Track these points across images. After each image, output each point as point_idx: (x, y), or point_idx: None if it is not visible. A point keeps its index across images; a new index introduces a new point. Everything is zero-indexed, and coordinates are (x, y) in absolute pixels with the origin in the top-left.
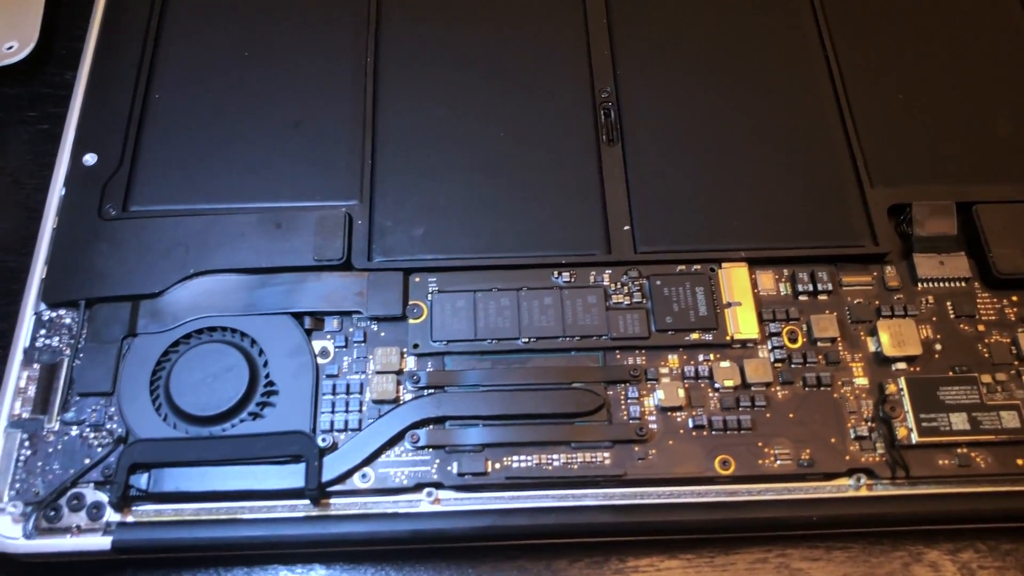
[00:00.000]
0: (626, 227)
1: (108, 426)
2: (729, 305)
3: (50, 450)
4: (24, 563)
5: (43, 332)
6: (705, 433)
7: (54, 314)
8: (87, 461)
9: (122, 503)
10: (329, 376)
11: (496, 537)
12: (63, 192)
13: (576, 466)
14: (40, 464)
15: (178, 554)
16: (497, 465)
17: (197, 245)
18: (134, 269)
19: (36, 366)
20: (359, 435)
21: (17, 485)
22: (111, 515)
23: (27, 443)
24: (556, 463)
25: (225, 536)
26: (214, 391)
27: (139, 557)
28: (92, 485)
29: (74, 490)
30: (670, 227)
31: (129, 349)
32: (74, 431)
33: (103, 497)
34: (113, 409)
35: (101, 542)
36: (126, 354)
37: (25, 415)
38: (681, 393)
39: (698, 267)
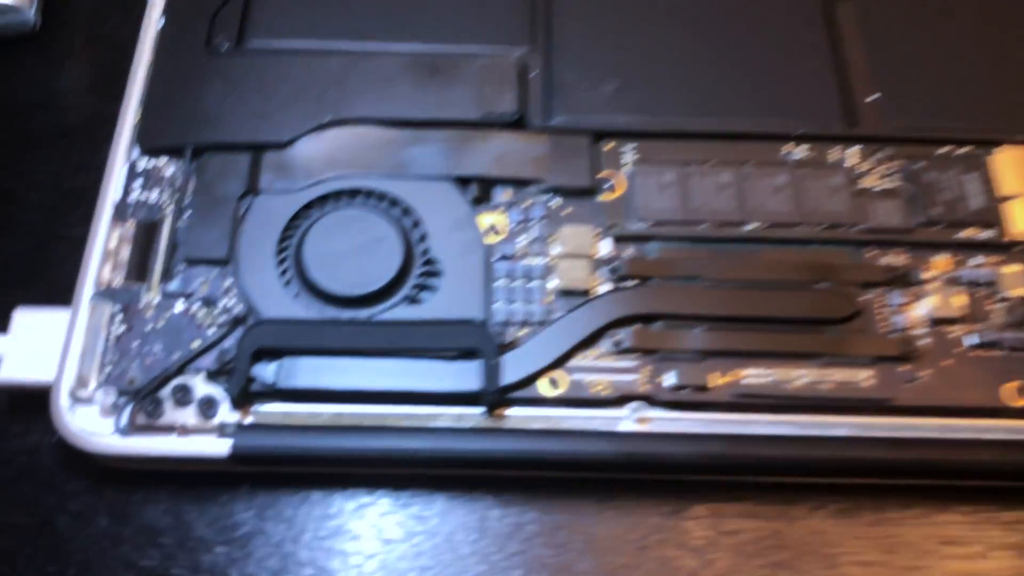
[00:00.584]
0: (874, 96)
1: (223, 302)
2: (1008, 199)
3: (149, 328)
4: (112, 467)
5: (138, 184)
6: (990, 353)
7: (152, 163)
8: (196, 344)
9: (242, 399)
10: (504, 258)
11: (717, 470)
12: (162, 23)
13: (828, 386)
14: (137, 345)
15: (310, 468)
16: (723, 379)
17: (334, 89)
18: (255, 113)
19: (131, 224)
20: (545, 331)
21: (108, 369)
22: (226, 414)
23: (120, 318)
24: (801, 381)
25: (372, 448)
26: (361, 267)
27: (261, 470)
28: (203, 375)
29: (180, 379)
30: (927, 99)
31: (250, 209)
32: (179, 306)
33: (216, 392)
34: (229, 281)
35: (216, 446)
36: (246, 215)
37: (117, 283)
38: (960, 301)
39: (967, 149)
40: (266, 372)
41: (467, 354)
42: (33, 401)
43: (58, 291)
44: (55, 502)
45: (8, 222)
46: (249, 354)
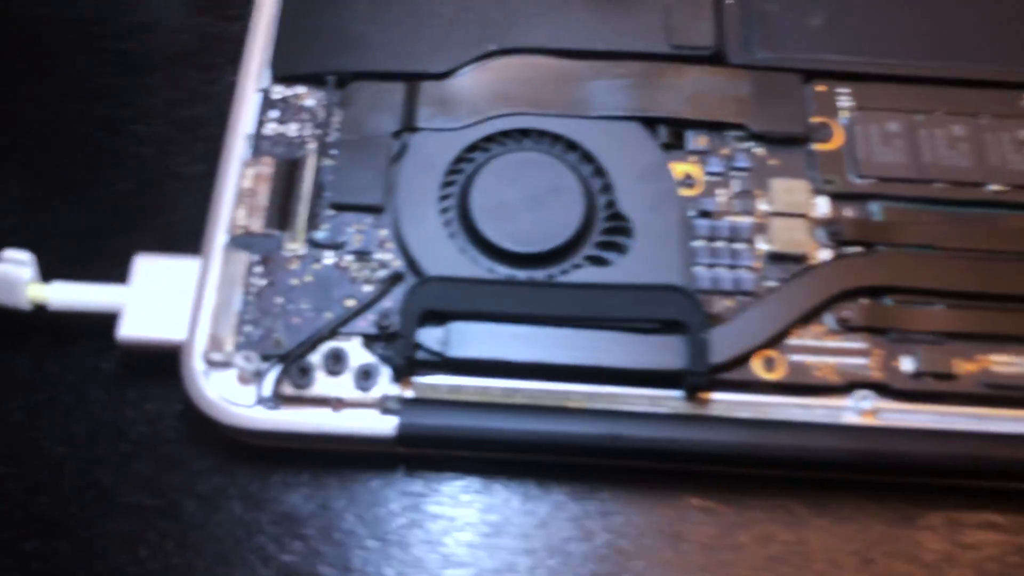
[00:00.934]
0: None
1: (378, 255)
2: None
3: (294, 282)
4: (248, 443)
5: (273, 116)
6: None
7: (289, 92)
8: (351, 303)
9: (407, 369)
10: (703, 214)
11: (958, 473)
12: None
13: None
14: (280, 302)
15: (481, 452)
16: (970, 366)
17: (499, 13)
18: (408, 38)
19: (268, 161)
20: (760, 303)
21: (247, 329)
22: (386, 386)
23: (260, 270)
24: None
25: (554, 432)
26: (536, 220)
27: (423, 452)
28: (359, 339)
29: (331, 343)
30: None
31: (407, 149)
32: (328, 258)
33: (371, 359)
34: (385, 232)
35: (378, 424)
36: (403, 155)
37: (255, 229)
38: None
39: None
40: (431, 338)
41: (668, 327)
42: (155, 363)
43: (178, 236)
44: (180, 482)
45: (115, 157)
46: (416, 316)
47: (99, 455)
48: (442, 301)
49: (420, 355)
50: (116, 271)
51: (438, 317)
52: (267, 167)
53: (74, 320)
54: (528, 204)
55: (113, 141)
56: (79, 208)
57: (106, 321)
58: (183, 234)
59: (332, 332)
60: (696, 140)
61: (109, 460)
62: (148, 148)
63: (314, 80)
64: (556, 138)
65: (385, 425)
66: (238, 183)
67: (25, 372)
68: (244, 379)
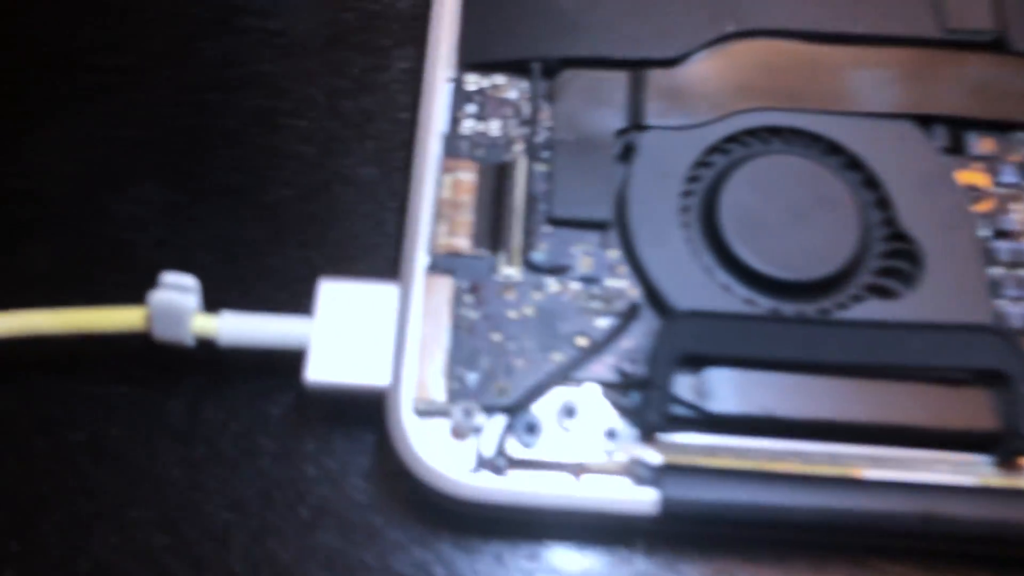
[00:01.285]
0: None
1: (609, 281)
2: None
3: (512, 314)
4: (461, 512)
5: (471, 111)
6: None
7: (485, 82)
8: (582, 342)
9: (657, 425)
10: (1001, 234)
11: None
12: None
13: None
14: (498, 339)
15: (751, 531)
16: None
17: None
18: (629, 17)
19: (470, 167)
20: None
21: (461, 372)
22: (628, 445)
23: (471, 299)
24: None
25: (855, 510)
26: (802, 239)
27: (681, 529)
28: (596, 386)
29: (563, 391)
30: None
31: (636, 151)
32: (552, 285)
33: (607, 412)
34: (615, 253)
35: (635, 497)
36: (631, 158)
37: (462, 249)
38: None
39: None
40: (685, 388)
41: (980, 376)
42: (337, 409)
43: (353, 253)
44: (373, 557)
45: (271, 156)
46: (671, 362)
47: (273, 523)
48: (701, 343)
49: (675, 410)
50: (282, 295)
51: (693, 362)
52: (469, 173)
53: (236, 356)
54: (789, 219)
55: (267, 137)
56: (231, 218)
57: (275, 357)
58: (359, 250)
59: (563, 377)
60: (980, 143)
61: (285, 529)
62: (309, 147)
63: (515, 68)
64: (814, 138)
65: (643, 498)
66: (436, 192)
67: (181, 419)
68: (459, 434)
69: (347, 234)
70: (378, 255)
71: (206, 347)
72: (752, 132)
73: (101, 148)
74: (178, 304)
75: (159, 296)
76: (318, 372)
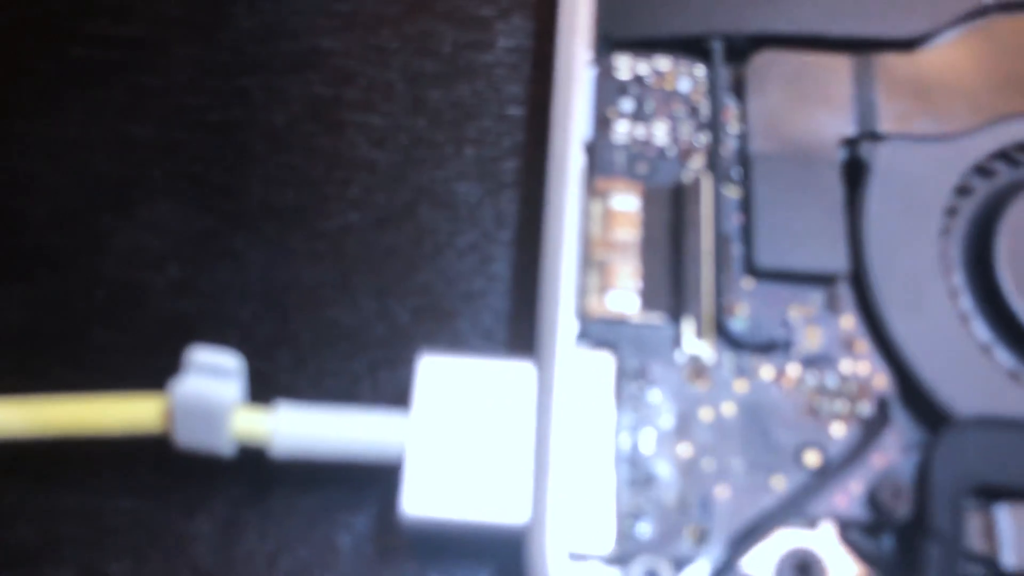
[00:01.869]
0: None
1: (846, 365)
2: None
3: (704, 414)
4: None
5: (626, 109)
6: None
7: (645, 67)
8: (812, 460)
9: None
10: None
11: None
12: None
13: None
14: (689, 452)
15: None
16: None
17: None
18: None
19: (632, 189)
20: None
21: (635, 502)
22: None
23: (639, 388)
24: None
25: None
26: None
27: None
28: (833, 526)
29: (787, 534)
30: None
31: (868, 170)
32: (763, 370)
33: (856, 568)
34: (850, 322)
35: None
36: (863, 180)
37: (626, 311)
38: None
39: None
40: (972, 534)
41: None
42: (438, 545)
43: (459, 308)
44: None
45: (332, 163)
46: (957, 496)
47: None
48: (996, 468)
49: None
50: (355, 367)
51: (982, 495)
52: (629, 197)
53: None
54: None
55: (327, 140)
56: (279, 253)
57: (345, 465)
58: (460, 302)
59: (788, 514)
60: None
61: None
62: (385, 153)
63: (687, 47)
64: None
65: None
66: (582, 227)
67: (210, 549)
68: None
69: (441, 277)
70: (486, 309)
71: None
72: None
73: (100, 153)
74: (213, 398)
75: (187, 386)
76: (419, 503)
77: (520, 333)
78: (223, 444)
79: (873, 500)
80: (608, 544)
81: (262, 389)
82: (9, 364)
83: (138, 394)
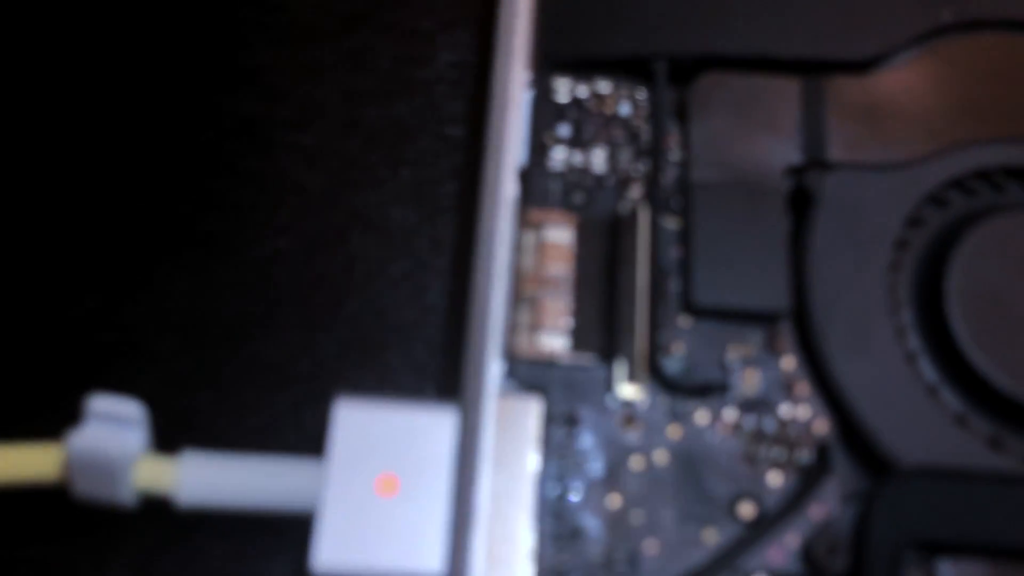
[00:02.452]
0: None
1: (782, 409)
2: None
3: (635, 463)
4: None
5: (563, 134)
6: None
7: (584, 89)
8: (746, 512)
9: None
10: None
11: None
12: None
13: None
14: (617, 504)
15: None
16: None
17: None
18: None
19: (565, 221)
20: None
21: (555, 561)
22: None
23: (566, 434)
24: None
25: None
26: None
27: None
28: None
29: None
30: None
31: (818, 202)
32: (697, 415)
33: None
34: (791, 363)
35: None
36: (810, 213)
37: (556, 352)
38: None
39: None
40: None
41: None
42: None
43: (390, 341)
44: None
45: (261, 186)
46: (897, 551)
47: None
48: (939, 523)
49: None
50: (277, 405)
51: (923, 549)
52: (563, 230)
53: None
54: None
55: (257, 161)
56: (202, 282)
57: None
58: (392, 335)
59: (722, 570)
60: None
61: None
62: (317, 175)
63: (628, 69)
64: None
65: None
66: (512, 261)
67: None
68: None
69: (371, 308)
70: (418, 341)
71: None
72: (984, 175)
73: (10, 169)
74: (112, 452)
75: (83, 437)
76: (332, 554)
77: (454, 367)
78: (124, 495)
79: (809, 554)
80: None
81: (180, 428)
82: None
83: (35, 443)
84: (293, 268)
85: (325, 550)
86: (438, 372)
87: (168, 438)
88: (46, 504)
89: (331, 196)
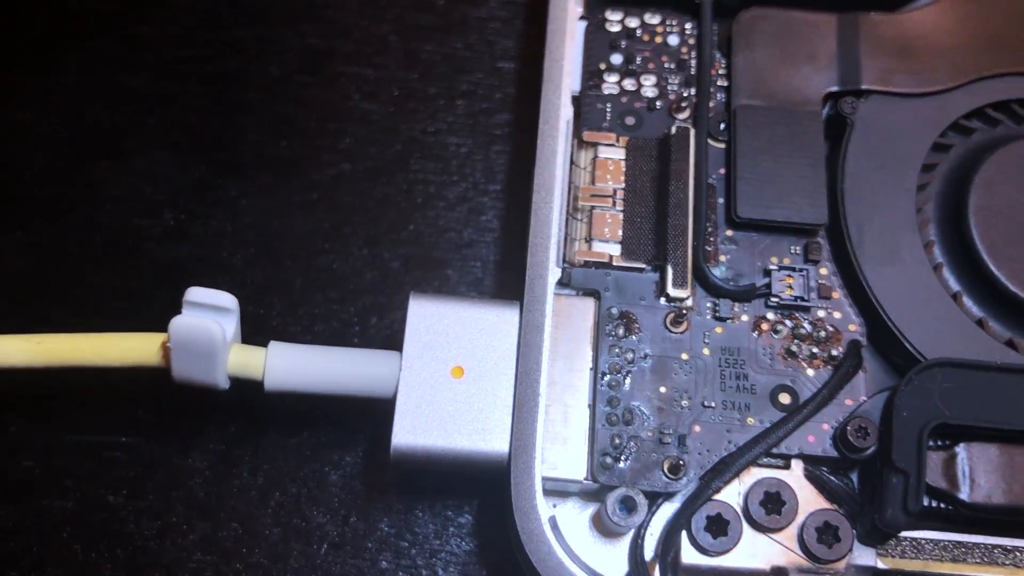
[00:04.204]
0: None
1: (821, 311)
2: None
3: (683, 356)
4: None
5: (615, 62)
6: None
7: (634, 20)
8: (785, 400)
9: (899, 523)
10: None
11: None
12: None
13: None
14: (665, 392)
15: None
16: None
17: None
18: None
19: (617, 142)
20: None
21: (610, 440)
22: (852, 546)
23: (621, 332)
24: None
25: None
26: None
27: None
28: (809, 467)
29: (760, 472)
30: None
31: (852, 126)
32: (739, 315)
33: (827, 503)
34: (827, 271)
35: None
36: (845, 135)
37: (610, 258)
38: None
39: None
40: (933, 471)
41: None
42: (423, 481)
43: (449, 257)
44: None
45: (326, 114)
46: (920, 434)
47: None
48: (958, 408)
49: (928, 502)
50: (346, 313)
51: (944, 435)
52: (616, 150)
53: (281, 397)
54: None
55: (321, 91)
56: (273, 201)
57: (335, 400)
58: (450, 251)
59: (760, 452)
60: None
61: None
62: (378, 104)
63: (676, 3)
64: None
65: None
66: (566, 179)
67: (205, 485)
68: (609, 531)
69: (431, 227)
70: (474, 259)
71: (242, 387)
72: (1003, 105)
73: (94, 102)
74: (212, 334)
75: (185, 322)
76: (409, 433)
77: (507, 282)
78: (218, 377)
79: (841, 438)
80: (585, 474)
81: (255, 333)
82: (10, 307)
83: (139, 333)
84: (356, 190)
85: (402, 430)
86: (493, 286)
87: (246, 343)
88: (139, 398)
89: (391, 124)
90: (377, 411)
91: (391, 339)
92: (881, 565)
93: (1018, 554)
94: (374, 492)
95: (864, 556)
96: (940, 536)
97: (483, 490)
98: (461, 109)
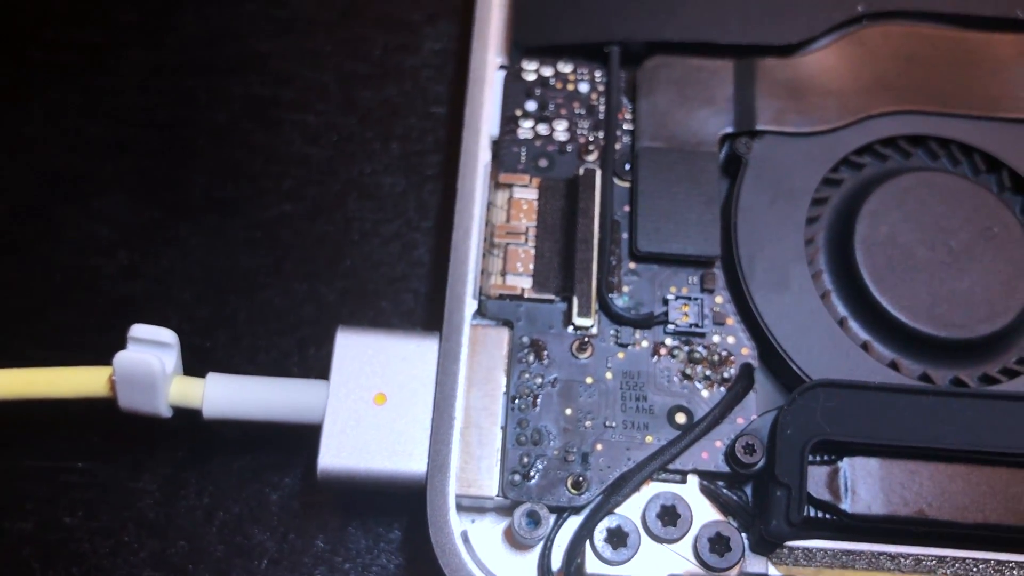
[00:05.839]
0: None
1: (716, 336)
2: None
3: (588, 380)
4: None
5: (530, 109)
6: None
7: (548, 70)
8: (680, 419)
9: (784, 533)
10: None
11: None
12: None
13: None
14: (571, 414)
15: None
16: None
17: None
18: None
19: (530, 182)
20: None
21: (522, 459)
22: (738, 553)
23: (531, 359)
24: None
25: None
26: (961, 284)
27: None
28: (697, 480)
29: (657, 487)
30: None
31: (746, 165)
32: (640, 341)
33: (718, 515)
34: (722, 300)
35: None
36: (740, 174)
37: (522, 290)
38: None
39: None
40: (816, 483)
41: None
42: (354, 500)
43: (381, 290)
44: None
45: (269, 158)
46: (803, 449)
47: None
48: (840, 424)
49: (811, 511)
50: (284, 343)
51: (827, 449)
52: (529, 190)
53: (223, 425)
54: (944, 257)
55: (265, 136)
56: (218, 240)
57: (273, 427)
58: (383, 285)
59: (658, 468)
60: None
61: None
62: (318, 148)
63: (587, 53)
64: (967, 150)
65: None
66: (483, 218)
67: (154, 505)
68: (519, 543)
69: (367, 262)
70: (406, 291)
71: (187, 415)
72: (890, 141)
73: (55, 149)
74: (152, 368)
75: (127, 357)
76: (334, 456)
77: (437, 313)
78: (160, 407)
79: (731, 455)
80: (497, 491)
81: (202, 364)
82: None
83: (89, 368)
84: (298, 228)
85: (327, 454)
86: (424, 316)
87: (191, 373)
88: (93, 426)
89: (330, 167)
90: (313, 436)
91: (328, 368)
92: (774, 572)
93: (901, 560)
94: (311, 510)
95: (756, 564)
96: (829, 544)
97: (412, 508)
98: (396, 151)
